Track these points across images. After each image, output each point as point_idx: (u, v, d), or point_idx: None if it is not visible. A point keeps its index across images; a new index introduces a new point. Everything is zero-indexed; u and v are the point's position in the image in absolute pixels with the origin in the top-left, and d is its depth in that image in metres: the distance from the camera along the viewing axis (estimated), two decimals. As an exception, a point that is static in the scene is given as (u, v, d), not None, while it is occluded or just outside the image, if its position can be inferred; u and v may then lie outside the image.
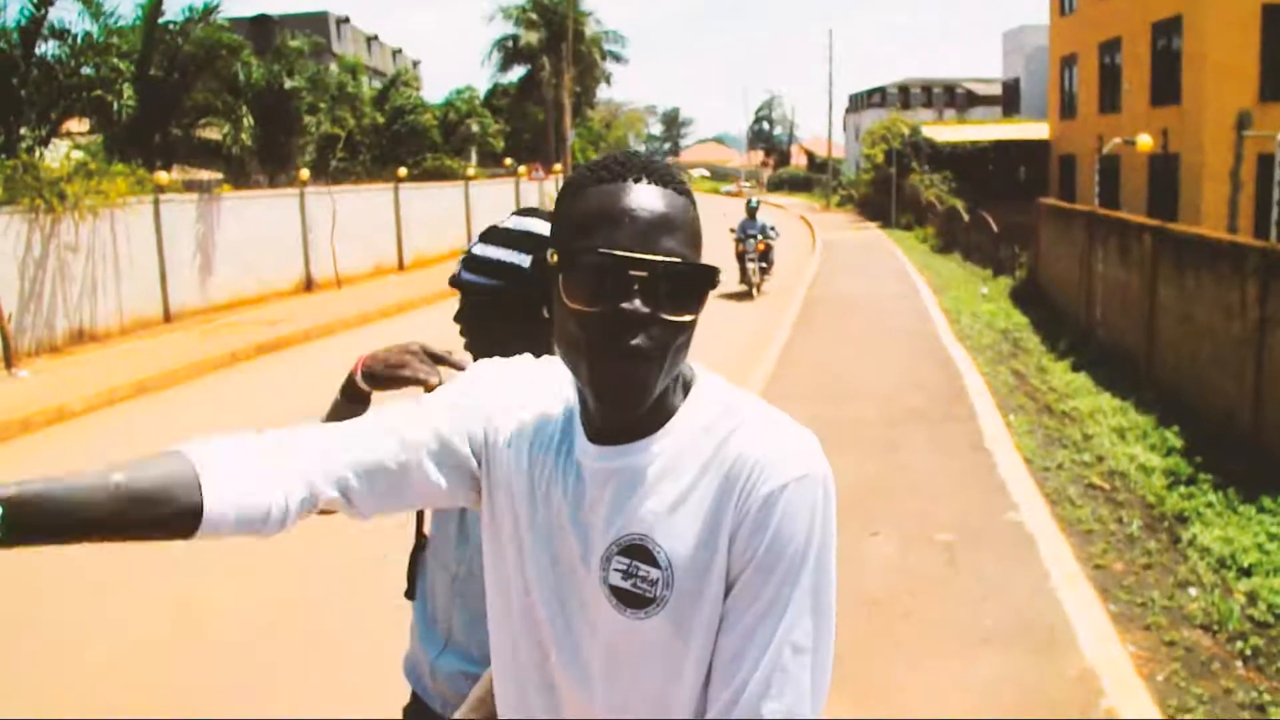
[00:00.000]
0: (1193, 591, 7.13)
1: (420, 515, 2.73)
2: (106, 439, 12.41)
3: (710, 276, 1.60)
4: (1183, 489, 9.52)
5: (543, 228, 2.65)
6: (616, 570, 1.64)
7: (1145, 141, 18.25)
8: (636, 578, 1.63)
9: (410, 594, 2.81)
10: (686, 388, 1.72)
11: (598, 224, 1.57)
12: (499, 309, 2.61)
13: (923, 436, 10.67)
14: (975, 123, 52.48)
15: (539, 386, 1.83)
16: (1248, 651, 6.26)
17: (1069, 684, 5.61)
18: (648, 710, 1.67)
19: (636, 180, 1.59)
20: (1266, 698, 5.66)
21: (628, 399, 1.57)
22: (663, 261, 1.54)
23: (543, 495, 1.73)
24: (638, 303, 1.53)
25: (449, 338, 2.68)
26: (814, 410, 11.85)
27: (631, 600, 1.63)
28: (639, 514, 1.64)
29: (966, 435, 10.63)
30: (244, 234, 23.40)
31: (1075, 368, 14.97)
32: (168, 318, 20.90)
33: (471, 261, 2.68)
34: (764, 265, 23.78)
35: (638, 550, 1.64)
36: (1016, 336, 17.69)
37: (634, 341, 1.53)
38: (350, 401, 2.52)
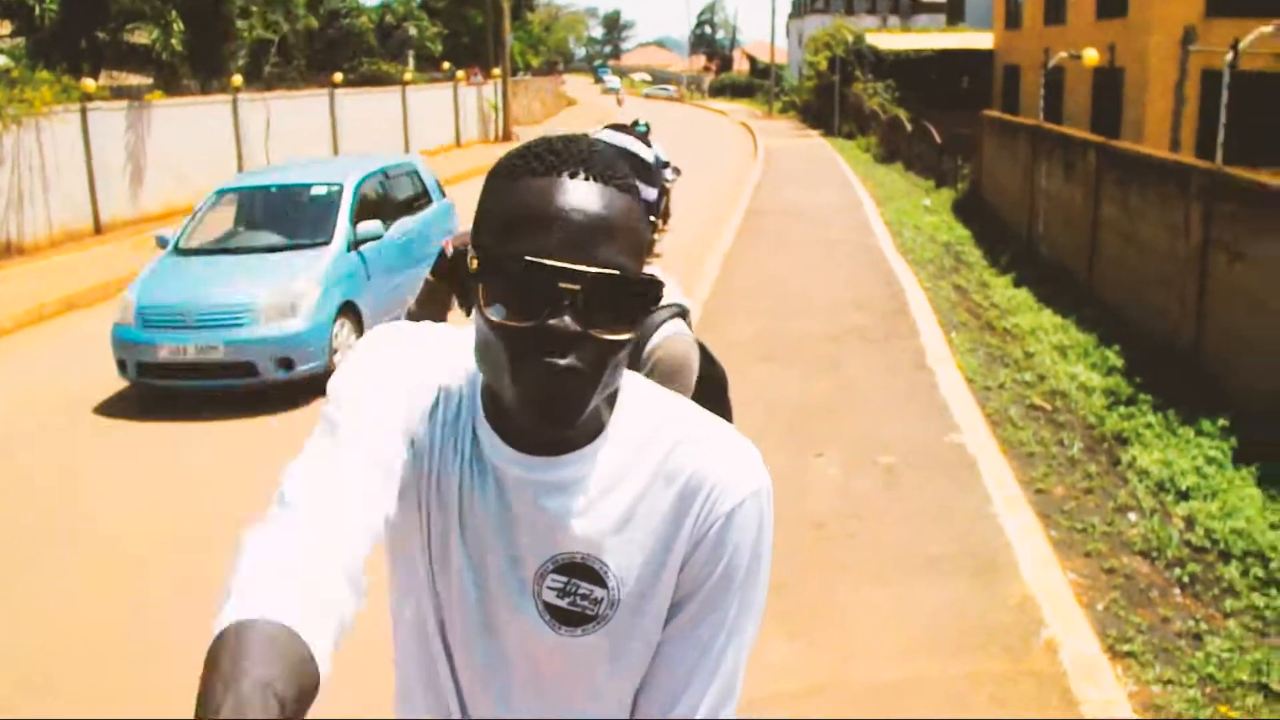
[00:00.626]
0: (1132, 517, 7.17)
1: None
2: (36, 358, 12.15)
3: (653, 290, 1.43)
4: (1123, 409, 9.57)
5: (638, 148, 2.77)
6: (551, 589, 1.55)
7: (1091, 55, 18.17)
8: (576, 595, 1.55)
9: None
10: (613, 396, 1.58)
11: (525, 226, 1.39)
12: None
13: (866, 353, 10.65)
14: (919, 31, 52.15)
15: (438, 371, 1.61)
16: (1185, 578, 6.31)
17: (1010, 612, 5.62)
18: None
19: (572, 175, 1.40)
20: (1203, 626, 5.70)
21: (556, 419, 1.41)
22: (598, 274, 1.36)
23: (460, 504, 1.57)
24: (568, 319, 1.36)
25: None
26: (759, 324, 11.82)
27: (569, 618, 1.56)
28: (580, 531, 1.54)
29: (909, 353, 10.62)
30: (176, 142, 22.85)
31: (1017, 283, 14.98)
32: (98, 229, 20.45)
33: None
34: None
35: (579, 569, 1.55)
36: (959, 250, 17.68)
37: (564, 361, 1.37)
38: (440, 277, 2.41)
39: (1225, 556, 6.72)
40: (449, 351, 1.62)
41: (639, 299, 1.41)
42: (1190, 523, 7.20)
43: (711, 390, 2.89)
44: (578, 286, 1.35)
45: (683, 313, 2.84)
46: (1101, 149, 13.92)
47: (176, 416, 9.64)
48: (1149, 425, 9.18)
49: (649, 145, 3.08)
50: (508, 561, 1.56)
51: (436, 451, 1.57)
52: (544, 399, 1.39)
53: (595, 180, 1.40)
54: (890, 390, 9.49)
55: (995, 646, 5.30)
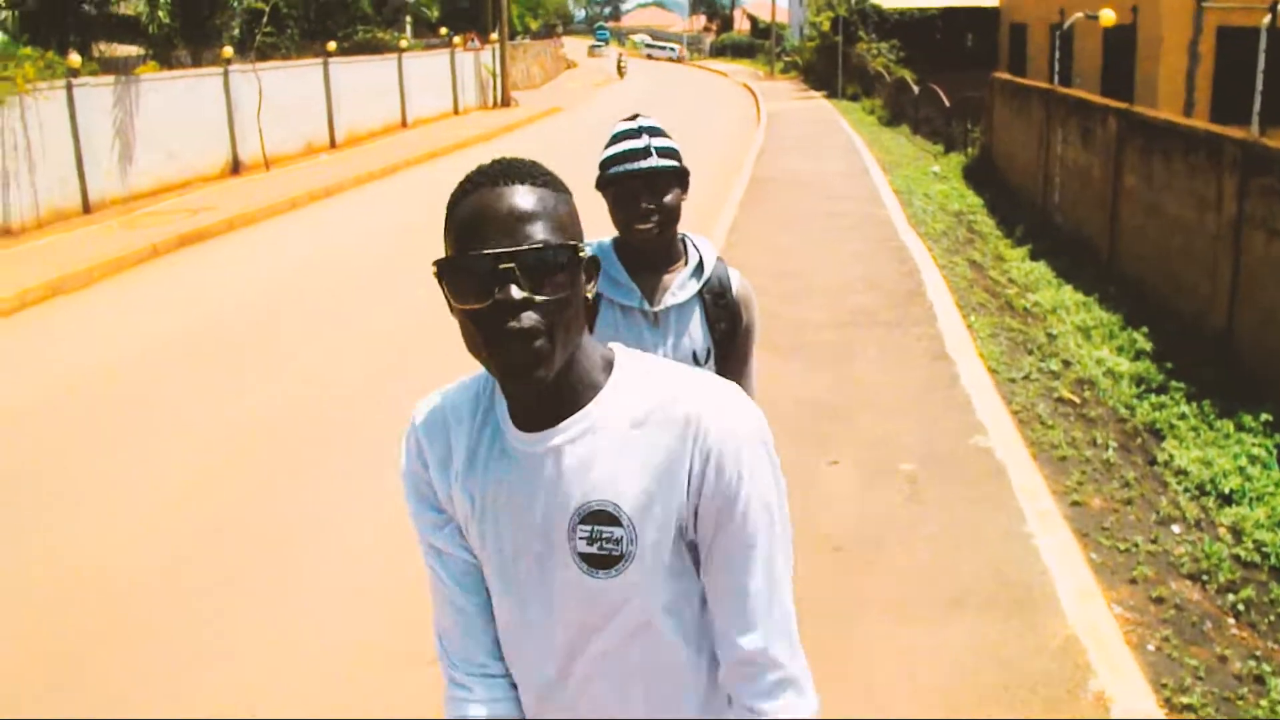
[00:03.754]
0: (1176, 529, 6.60)
1: None
2: (19, 347, 11.60)
3: (574, 254, 1.73)
4: (1154, 398, 9.01)
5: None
6: (581, 539, 1.79)
7: (1108, 15, 17.43)
8: (602, 540, 1.78)
9: None
10: (609, 366, 1.86)
11: (468, 230, 1.72)
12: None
13: (879, 342, 10.01)
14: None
15: (457, 408, 1.95)
16: (1239, 606, 5.75)
17: (1051, 657, 5.03)
18: (629, 664, 1.88)
19: (505, 184, 1.74)
20: (1266, 667, 5.13)
21: (529, 373, 1.70)
22: (526, 249, 1.68)
23: (495, 494, 1.86)
24: (512, 289, 1.66)
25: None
26: (764, 309, 11.16)
27: (600, 562, 1.79)
28: (591, 481, 1.79)
29: (926, 340, 9.98)
30: (165, 116, 22.15)
31: (1034, 255, 14.38)
32: (87, 208, 19.76)
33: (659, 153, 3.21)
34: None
35: (597, 515, 1.79)
36: (971, 219, 17.04)
37: (518, 325, 1.67)
38: None
39: (1278, 573, 6.16)
40: (462, 385, 1.99)
41: (566, 263, 1.72)
42: (1238, 534, 6.65)
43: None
44: (513, 264, 1.67)
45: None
46: (1123, 115, 13.25)
47: (157, 415, 9.07)
48: (1183, 416, 8.63)
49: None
50: (544, 529, 1.82)
51: (466, 464, 1.91)
52: (515, 360, 1.69)
53: (517, 183, 1.74)
54: (907, 384, 8.84)
55: (1037, 701, 4.71)
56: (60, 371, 10.55)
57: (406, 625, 5.53)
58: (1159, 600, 5.67)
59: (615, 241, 3.39)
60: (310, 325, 11.60)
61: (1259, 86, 11.26)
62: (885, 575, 5.83)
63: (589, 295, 1.81)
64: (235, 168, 24.40)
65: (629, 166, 3.20)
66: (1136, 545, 6.23)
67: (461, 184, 1.79)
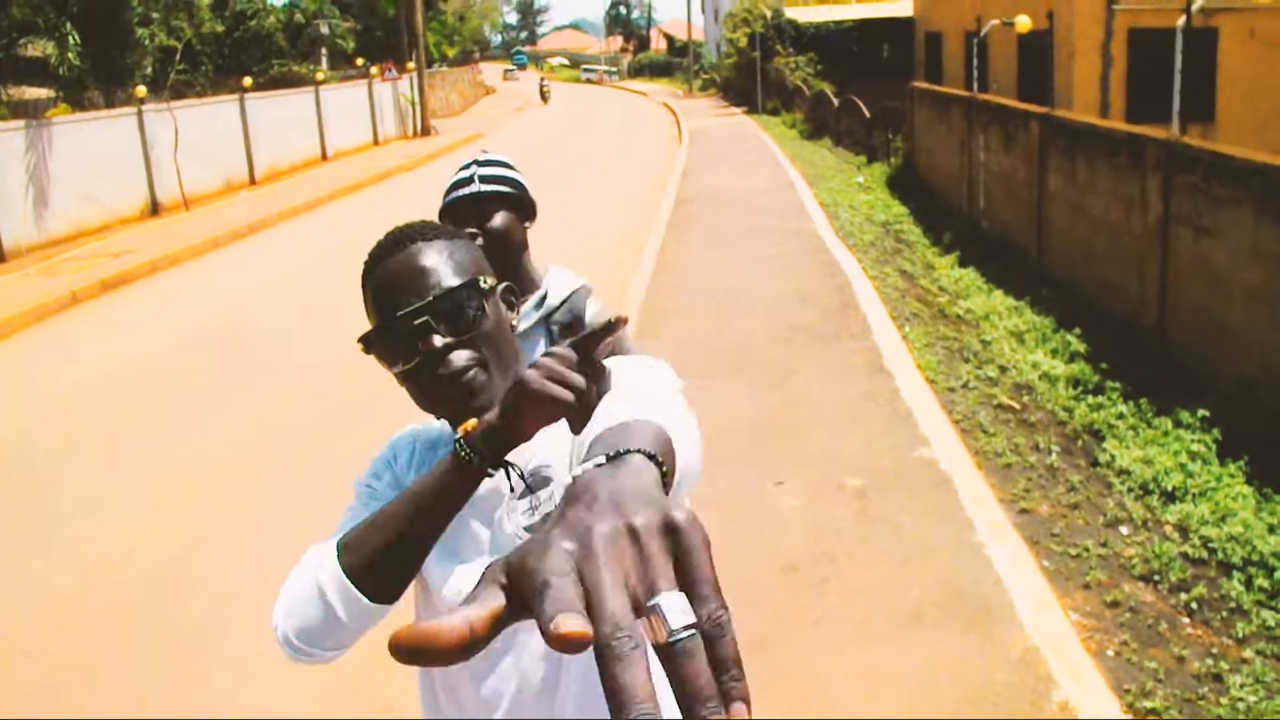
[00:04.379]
0: (1124, 530, 6.61)
1: None
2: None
3: (476, 290, 1.82)
4: (1091, 399, 9.06)
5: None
6: (523, 514, 1.84)
7: (1024, 22, 17.58)
8: (542, 505, 1.83)
9: None
10: None
11: (380, 300, 1.82)
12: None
13: (817, 357, 10.00)
14: (839, 2, 51.55)
15: (429, 435, 2.07)
16: (1192, 604, 5.76)
17: (1013, 669, 4.99)
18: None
19: (401, 249, 1.83)
20: (1223, 665, 5.13)
21: (470, 402, 1.78)
22: (431, 299, 1.77)
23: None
24: (434, 339, 1.76)
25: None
26: (701, 329, 11.17)
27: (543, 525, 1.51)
28: (528, 464, 1.86)
29: (863, 353, 9.98)
30: (80, 159, 21.72)
31: (962, 262, 14.45)
32: (2, 257, 19.33)
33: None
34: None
35: (533, 484, 1.85)
36: (898, 229, 17.11)
37: (448, 369, 1.77)
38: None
39: (1226, 569, 6.20)
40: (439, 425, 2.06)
41: (473, 300, 1.81)
42: (1184, 531, 6.68)
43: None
44: (425, 317, 1.76)
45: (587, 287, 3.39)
46: (1045, 119, 13.37)
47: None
48: (1121, 416, 8.68)
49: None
50: (496, 520, 1.88)
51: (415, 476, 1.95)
52: (458, 400, 1.77)
53: (408, 244, 1.83)
54: (848, 399, 8.82)
55: (1001, 715, 4.67)
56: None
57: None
58: (1114, 604, 5.66)
59: None
60: (244, 365, 11.41)
61: (1177, 86, 11.36)
62: (840, 594, 5.78)
63: (514, 323, 1.96)
64: (154, 208, 24.01)
65: (453, 195, 3.23)
66: (1087, 549, 6.22)
67: (366, 262, 1.88)
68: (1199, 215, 9.44)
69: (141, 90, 24.49)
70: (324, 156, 33.39)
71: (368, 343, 1.82)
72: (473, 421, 1.69)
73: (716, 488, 6.99)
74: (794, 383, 9.35)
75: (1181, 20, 10.81)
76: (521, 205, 3.28)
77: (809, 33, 43.19)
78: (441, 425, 2.04)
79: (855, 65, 39.61)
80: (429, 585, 1.94)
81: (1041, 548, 6.24)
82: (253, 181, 28.67)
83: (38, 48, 24.85)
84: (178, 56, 27.47)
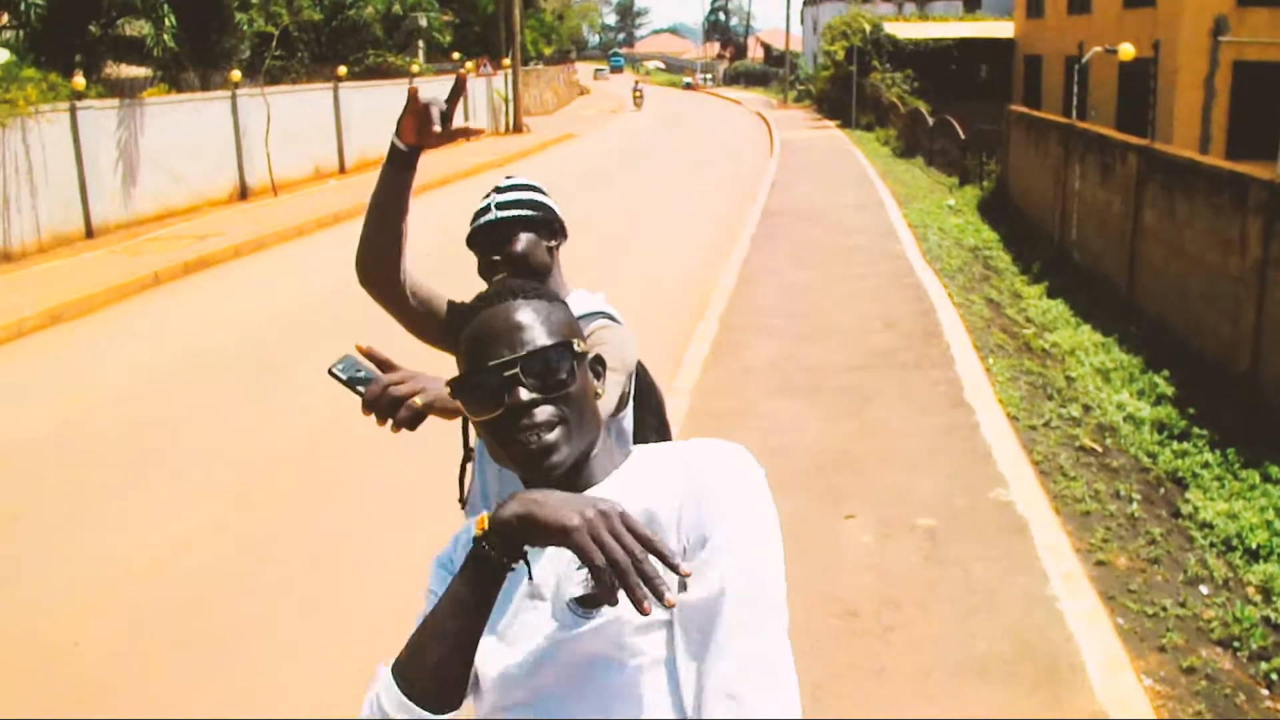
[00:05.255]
0: (1204, 590, 6.34)
1: (466, 425, 2.84)
2: (16, 376, 11.41)
3: (568, 352, 1.86)
4: (1176, 445, 8.78)
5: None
6: (577, 584, 1.78)
7: (1127, 49, 17.21)
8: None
9: (462, 502, 3.10)
10: (627, 458, 1.98)
11: (474, 350, 1.88)
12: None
13: (896, 385, 9.77)
14: (938, 19, 50.92)
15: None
16: (1273, 675, 5.49)
17: (1081, 734, 4.78)
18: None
19: (501, 301, 1.90)
20: (1305, 744, 4.87)
21: (545, 458, 1.81)
22: (525, 354, 1.83)
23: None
24: (521, 392, 1.81)
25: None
26: (779, 350, 10.96)
27: (593, 601, 1.74)
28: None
29: (944, 384, 9.74)
30: (172, 140, 21.93)
31: (1051, 293, 14.16)
32: (90, 233, 19.53)
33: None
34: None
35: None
36: (987, 255, 16.81)
37: (530, 421, 1.81)
38: (396, 166, 2.77)
39: (1310, 637, 5.92)
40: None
41: (562, 360, 1.86)
42: (1267, 594, 6.41)
43: (643, 391, 3.26)
44: (516, 369, 1.82)
45: (608, 315, 3.11)
46: (1144, 152, 13.03)
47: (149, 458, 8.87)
48: (1206, 465, 8.41)
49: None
50: (550, 585, 1.84)
51: None
52: (532, 448, 1.81)
53: (515, 298, 1.91)
54: (926, 433, 8.59)
55: (1067, 784, 4.47)
56: (58, 401, 10.36)
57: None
58: (1190, 670, 5.42)
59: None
60: (320, 354, 11.39)
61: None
62: (903, 644, 5.56)
63: (600, 392, 1.97)
64: (243, 192, 24.21)
65: (473, 226, 3.20)
66: (1164, 609, 5.97)
67: (467, 308, 1.95)
68: (1301, 261, 9.13)
69: (236, 74, 24.66)
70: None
71: (457, 389, 1.88)
72: (484, 517, 1.69)
73: (784, 514, 6.80)
74: (871, 411, 9.14)
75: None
76: (545, 226, 3.19)
77: (907, 49, 42.81)
78: None
79: (952, 85, 39.20)
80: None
81: (1117, 604, 6.00)
82: (342, 170, 28.84)
83: (135, 28, 25.08)
84: (274, 42, 27.56)
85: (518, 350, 1.83)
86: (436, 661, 1.71)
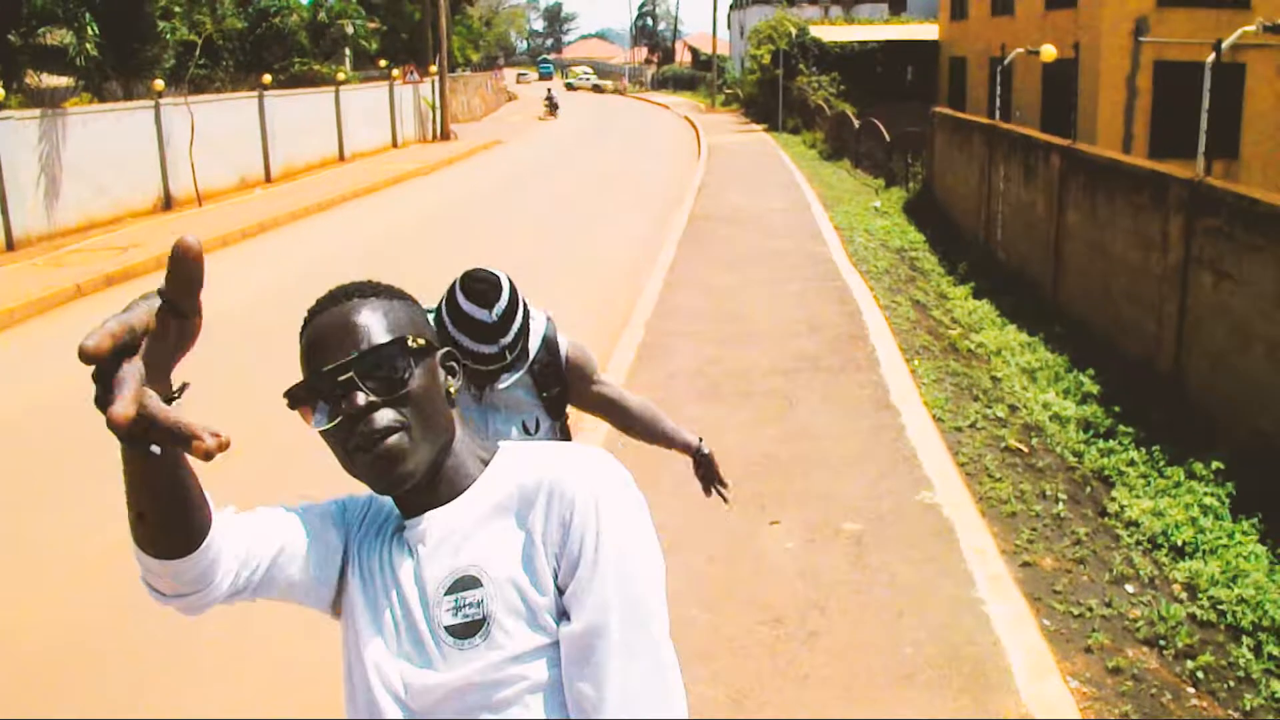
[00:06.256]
0: (1130, 588, 6.35)
1: None
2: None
3: (403, 348, 1.74)
4: (1102, 443, 8.80)
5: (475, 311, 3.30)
6: (446, 610, 1.73)
7: (1049, 51, 17.37)
8: (465, 606, 1.72)
9: None
10: (487, 461, 1.86)
11: (309, 355, 1.76)
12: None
13: (822, 389, 9.74)
14: (864, 22, 51.17)
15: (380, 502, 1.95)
16: (1198, 673, 5.49)
17: (1008, 739, 4.74)
18: None
19: (334, 304, 1.77)
20: (1230, 743, 4.86)
21: (393, 469, 1.71)
22: (357, 356, 1.70)
23: (381, 578, 1.82)
24: (357, 397, 1.68)
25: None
26: (705, 353, 10.91)
27: (464, 630, 1.70)
28: (461, 557, 1.75)
29: (870, 387, 9.72)
30: (94, 150, 21.56)
31: (977, 294, 14.21)
32: (11, 245, 19.15)
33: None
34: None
35: (461, 583, 1.74)
36: (913, 256, 16.87)
37: (370, 428, 1.68)
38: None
39: (1235, 633, 5.95)
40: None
41: (403, 358, 1.74)
42: (1193, 591, 6.42)
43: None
44: (350, 372, 1.69)
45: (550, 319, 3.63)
46: (1066, 152, 13.11)
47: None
48: (1132, 463, 8.44)
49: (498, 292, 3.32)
50: (418, 607, 1.76)
51: (360, 537, 1.89)
52: (378, 465, 1.70)
53: (344, 300, 1.78)
54: (852, 436, 8.56)
55: (994, 790, 4.42)
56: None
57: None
58: (1116, 670, 5.40)
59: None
60: (243, 367, 11.18)
61: (1204, 124, 11.11)
62: (828, 650, 5.51)
63: (451, 390, 1.83)
64: (167, 203, 23.85)
65: (470, 364, 3.30)
66: (1090, 609, 5.96)
67: (305, 316, 1.82)
68: (1221, 259, 9.18)
69: (159, 83, 24.31)
70: (341, 157, 33.22)
71: (294, 398, 1.75)
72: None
73: (705, 522, 6.74)
74: (796, 416, 9.10)
75: (1211, 57, 10.56)
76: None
77: (833, 52, 43.04)
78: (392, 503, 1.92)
79: (878, 87, 39.42)
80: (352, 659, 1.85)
81: (1043, 605, 5.98)
82: (269, 179, 28.51)
83: (56, 36, 24.67)
84: (198, 51, 27.20)
85: (347, 350, 1.70)
86: (134, 520, 1.60)
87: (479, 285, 3.34)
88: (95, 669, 5.77)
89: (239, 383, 10.62)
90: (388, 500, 1.90)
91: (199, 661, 5.86)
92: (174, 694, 5.54)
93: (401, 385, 1.71)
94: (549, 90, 66.10)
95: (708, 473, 4.14)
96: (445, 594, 1.73)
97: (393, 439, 1.69)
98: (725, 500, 4.18)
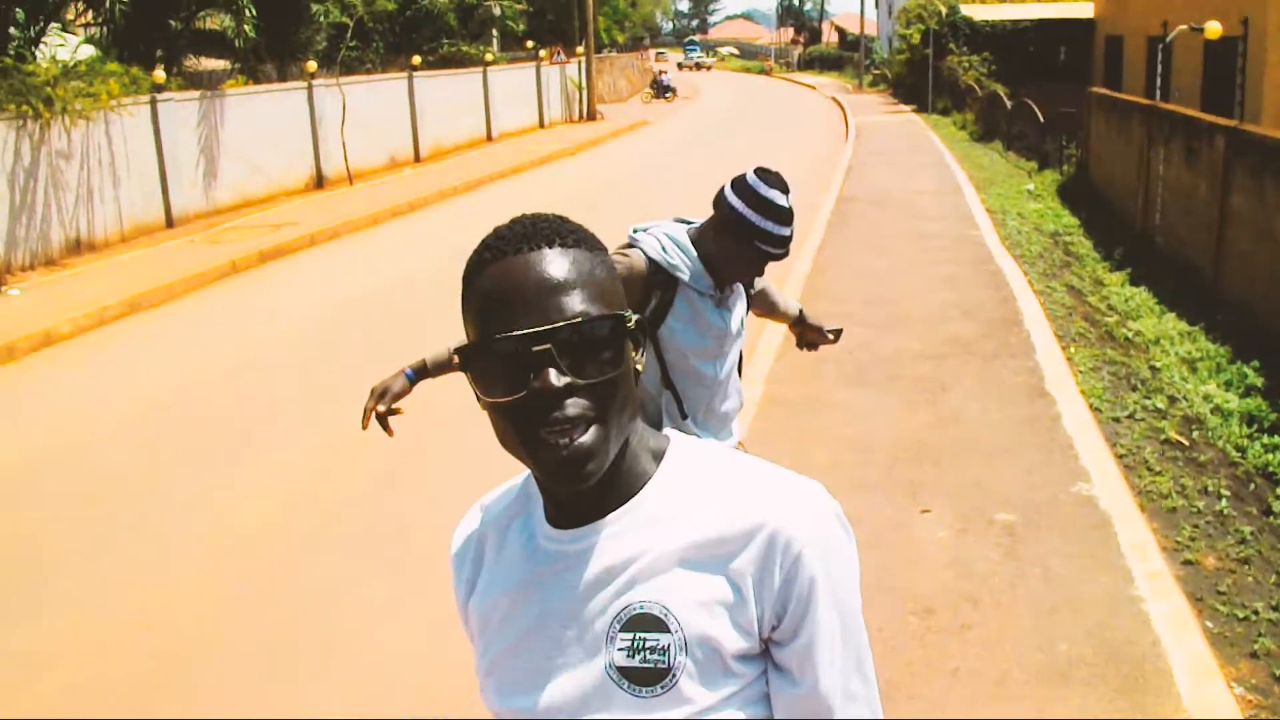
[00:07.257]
0: (1298, 591, 6.09)
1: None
2: (94, 368, 11.51)
3: (623, 324, 1.46)
4: (1266, 439, 8.46)
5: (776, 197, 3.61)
6: (620, 649, 1.49)
7: (1215, 28, 16.77)
8: (645, 651, 1.48)
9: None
10: (659, 456, 1.58)
11: (491, 309, 1.44)
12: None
13: (975, 375, 9.55)
14: (1016, 1, 50.26)
15: (497, 519, 1.68)
16: (1373, 682, 5.24)
17: (1169, 745, 4.58)
18: None
19: (530, 249, 1.45)
20: None
21: (580, 468, 1.41)
22: (563, 325, 1.40)
23: (505, 609, 1.60)
24: (551, 374, 1.39)
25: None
26: (851, 336, 10.72)
27: (643, 677, 1.48)
28: (636, 583, 1.50)
29: (1024, 374, 9.50)
30: (249, 131, 22.24)
31: (1134, 280, 13.80)
32: (170, 223, 19.85)
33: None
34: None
35: (641, 620, 1.48)
36: (1068, 241, 16.47)
37: (563, 415, 1.40)
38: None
39: None
40: (506, 490, 1.71)
41: (613, 336, 1.44)
42: (1366, 596, 6.13)
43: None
44: (548, 344, 1.39)
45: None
46: (1232, 134, 12.65)
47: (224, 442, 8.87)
48: (1298, 460, 8.09)
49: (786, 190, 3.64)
50: (577, 641, 1.53)
51: (487, 576, 1.64)
52: (563, 456, 1.41)
53: (544, 247, 1.45)
54: (1005, 424, 8.37)
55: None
56: (139, 388, 10.58)
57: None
58: (1284, 677, 5.19)
59: (690, 231, 3.79)
60: (393, 343, 11.33)
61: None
62: (979, 644, 5.38)
63: (639, 368, 1.52)
64: (319, 182, 24.40)
65: (772, 250, 3.66)
66: (1256, 613, 5.73)
67: (477, 250, 1.50)
68: (1398, 247, 8.78)
69: (312, 65, 24.82)
70: (489, 137, 33.58)
71: (465, 359, 1.44)
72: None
73: (855, 509, 6.64)
74: (948, 401, 8.93)
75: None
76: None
77: (984, 31, 42.17)
78: (512, 486, 1.70)
79: (1030, 67, 38.46)
80: None
81: (1205, 606, 5.77)
82: (417, 159, 28.96)
83: (215, 20, 25.34)
84: (349, 33, 27.69)
85: (553, 317, 1.40)
86: None
87: (771, 174, 3.63)
88: (228, 660, 5.88)
89: (397, 359, 10.78)
90: (499, 518, 1.67)
91: (331, 656, 5.94)
92: (302, 690, 5.63)
93: (608, 368, 1.43)
94: (658, 72, 63.42)
95: (809, 332, 4.68)
96: (621, 630, 1.49)
97: (588, 436, 1.41)
98: (835, 339, 4.76)
